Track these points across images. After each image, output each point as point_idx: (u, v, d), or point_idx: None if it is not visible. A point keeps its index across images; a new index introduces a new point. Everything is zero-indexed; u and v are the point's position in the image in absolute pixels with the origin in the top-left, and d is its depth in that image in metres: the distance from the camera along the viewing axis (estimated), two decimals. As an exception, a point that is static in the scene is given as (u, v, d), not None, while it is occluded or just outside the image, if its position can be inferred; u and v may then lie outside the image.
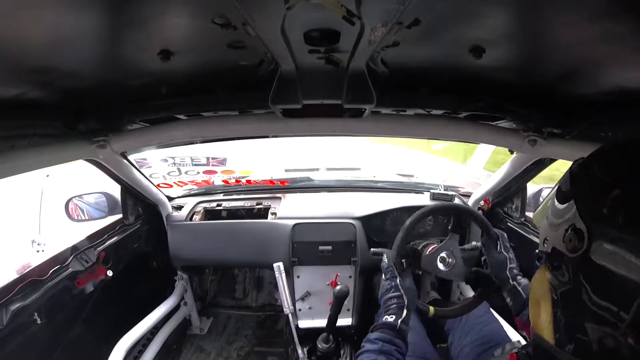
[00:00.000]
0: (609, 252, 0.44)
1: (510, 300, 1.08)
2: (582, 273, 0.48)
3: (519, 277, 1.08)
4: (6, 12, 0.50)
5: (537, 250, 0.60)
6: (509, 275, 1.08)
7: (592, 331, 0.46)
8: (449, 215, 2.00)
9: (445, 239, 1.17)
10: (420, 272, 1.22)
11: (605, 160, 0.53)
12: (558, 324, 0.53)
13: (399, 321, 0.96)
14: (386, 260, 1.11)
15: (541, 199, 1.76)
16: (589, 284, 0.47)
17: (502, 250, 1.12)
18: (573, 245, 0.49)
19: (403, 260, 1.11)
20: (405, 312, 0.99)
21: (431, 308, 1.12)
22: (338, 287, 1.27)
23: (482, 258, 1.21)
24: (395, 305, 1.00)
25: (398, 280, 1.05)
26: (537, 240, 1.42)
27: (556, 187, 0.59)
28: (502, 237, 1.15)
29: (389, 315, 0.98)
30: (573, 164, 0.57)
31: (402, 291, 1.03)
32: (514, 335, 1.46)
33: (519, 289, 1.05)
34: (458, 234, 1.18)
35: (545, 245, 0.57)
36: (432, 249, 1.17)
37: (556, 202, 0.57)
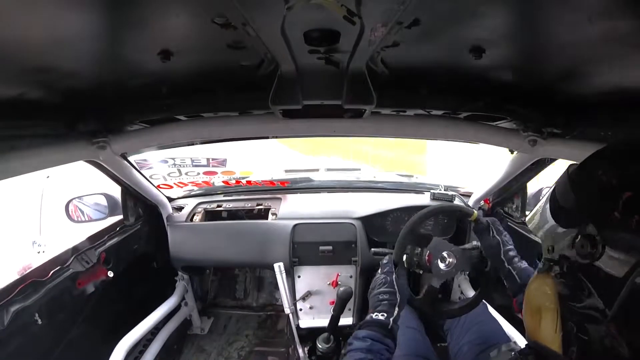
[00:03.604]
0: (626, 255, 0.43)
1: (507, 283, 1.08)
2: (596, 279, 0.46)
3: (515, 260, 1.08)
4: (6, 12, 0.50)
5: (542, 259, 0.58)
6: (504, 258, 1.08)
7: (605, 339, 0.45)
8: (449, 216, 2.00)
9: (441, 239, 1.18)
10: (421, 272, 1.22)
11: (609, 163, 0.51)
12: (568, 333, 0.50)
13: (391, 319, 0.92)
14: (387, 258, 1.09)
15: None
16: (605, 290, 0.45)
17: (495, 235, 1.11)
18: (586, 252, 0.47)
19: (404, 258, 1.11)
20: (396, 310, 0.95)
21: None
22: (342, 288, 1.27)
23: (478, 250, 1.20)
24: (387, 302, 0.96)
25: (394, 277, 1.02)
26: (537, 239, 1.43)
27: (552, 194, 0.57)
28: (494, 223, 1.15)
29: (379, 312, 0.94)
30: (569, 169, 0.55)
31: (396, 288, 0.99)
32: (512, 334, 1.46)
33: (514, 273, 1.05)
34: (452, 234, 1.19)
35: (551, 252, 0.55)
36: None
37: (557, 209, 0.55)
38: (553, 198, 0.57)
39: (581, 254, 0.48)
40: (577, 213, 0.50)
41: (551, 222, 0.56)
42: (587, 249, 0.47)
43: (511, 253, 1.09)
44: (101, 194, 1.85)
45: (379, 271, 1.07)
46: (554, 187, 0.58)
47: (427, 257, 1.23)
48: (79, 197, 1.84)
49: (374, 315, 0.93)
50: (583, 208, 0.50)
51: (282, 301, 1.75)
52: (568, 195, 0.54)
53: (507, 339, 1.28)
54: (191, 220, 2.04)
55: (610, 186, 0.47)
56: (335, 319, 1.30)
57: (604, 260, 0.45)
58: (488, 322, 1.35)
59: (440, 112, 1.16)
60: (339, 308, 1.27)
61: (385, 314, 0.93)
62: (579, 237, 0.48)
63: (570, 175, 0.55)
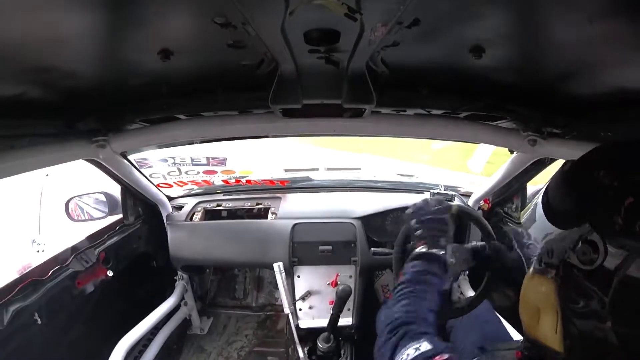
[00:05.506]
0: (628, 262, 0.43)
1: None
2: (599, 285, 0.46)
3: None
4: (6, 12, 0.50)
5: (541, 262, 0.56)
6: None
7: (608, 341, 0.45)
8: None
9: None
10: None
11: (610, 164, 0.50)
12: (570, 336, 0.50)
13: (433, 250, 0.88)
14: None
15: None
16: (607, 295, 0.45)
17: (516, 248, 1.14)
18: (588, 258, 0.47)
19: None
20: (443, 241, 0.89)
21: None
22: (341, 287, 1.27)
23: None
24: (430, 238, 0.90)
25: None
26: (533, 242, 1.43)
27: (545, 193, 0.56)
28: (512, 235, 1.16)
29: (419, 248, 0.90)
30: (566, 167, 0.54)
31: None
32: (515, 334, 1.46)
33: None
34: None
35: (551, 256, 0.54)
36: None
37: (551, 208, 0.55)
38: (546, 197, 0.56)
39: (583, 261, 0.47)
40: (575, 215, 0.50)
41: (547, 224, 0.55)
42: (590, 255, 0.47)
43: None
44: (101, 192, 1.85)
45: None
46: (548, 185, 0.57)
47: None
48: (79, 196, 1.83)
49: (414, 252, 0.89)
50: (582, 211, 0.49)
51: (281, 301, 1.75)
52: (564, 194, 0.53)
53: (509, 338, 1.28)
54: (191, 219, 2.04)
55: (612, 189, 0.46)
56: (335, 317, 1.29)
57: (606, 267, 0.45)
58: (491, 322, 1.35)
59: (440, 112, 1.16)
60: (338, 307, 1.27)
61: (425, 247, 0.90)
62: (581, 242, 0.48)
63: (566, 174, 0.54)
